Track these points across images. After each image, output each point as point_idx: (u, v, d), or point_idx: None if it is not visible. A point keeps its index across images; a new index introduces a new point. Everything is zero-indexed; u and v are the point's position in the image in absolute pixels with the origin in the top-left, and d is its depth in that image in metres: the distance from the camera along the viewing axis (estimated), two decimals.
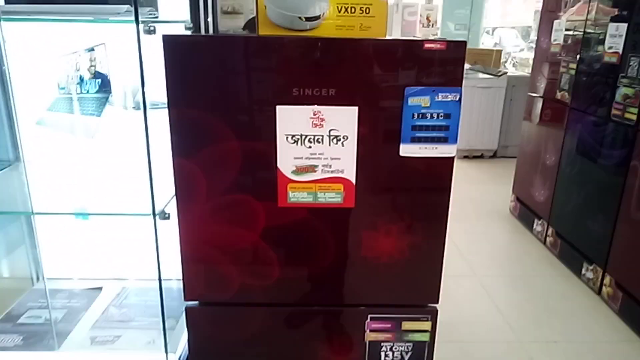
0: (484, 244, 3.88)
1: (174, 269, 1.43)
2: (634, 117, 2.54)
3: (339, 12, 1.13)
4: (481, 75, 5.18)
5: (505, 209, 4.46)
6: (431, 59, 1.06)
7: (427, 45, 1.05)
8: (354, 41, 1.09)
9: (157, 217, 1.22)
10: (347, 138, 1.11)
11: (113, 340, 1.41)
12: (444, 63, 1.07)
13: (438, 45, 1.05)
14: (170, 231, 1.27)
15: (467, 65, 5.84)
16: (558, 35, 3.40)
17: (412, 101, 1.08)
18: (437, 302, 1.24)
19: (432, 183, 1.15)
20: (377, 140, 1.12)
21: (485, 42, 7.48)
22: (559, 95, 3.39)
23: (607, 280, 2.94)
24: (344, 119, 1.10)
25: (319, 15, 1.14)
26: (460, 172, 5.12)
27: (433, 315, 1.24)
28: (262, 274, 1.21)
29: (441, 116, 1.09)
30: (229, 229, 1.18)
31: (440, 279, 1.23)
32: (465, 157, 5.40)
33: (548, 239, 3.68)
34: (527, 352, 2.54)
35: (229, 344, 1.28)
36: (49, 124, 1.56)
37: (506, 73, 5.04)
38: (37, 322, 1.50)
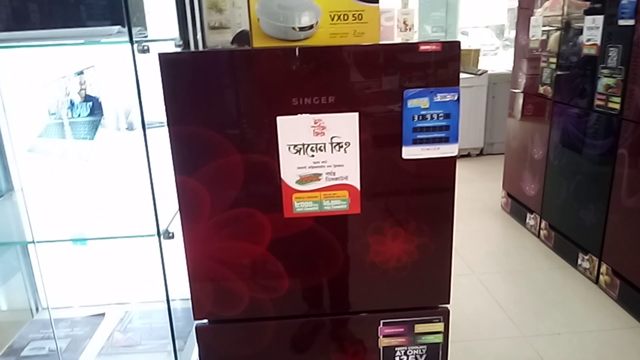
0: (479, 241, 3.91)
1: (177, 289, 1.41)
2: (618, 106, 2.59)
3: (332, 20, 1.14)
4: (463, 75, 5.24)
5: (496, 205, 4.50)
6: (427, 61, 1.07)
7: (422, 48, 1.06)
8: (348, 48, 1.09)
9: (161, 236, 1.20)
10: (349, 144, 1.11)
11: None
12: (440, 64, 1.08)
13: (433, 47, 1.06)
14: (171, 250, 1.26)
15: None
16: (536, 31, 3.46)
17: (412, 103, 1.09)
18: (448, 303, 1.24)
19: (436, 184, 1.16)
20: (379, 144, 1.13)
21: (463, 43, 7.54)
22: (541, 89, 3.45)
23: (603, 268, 2.98)
24: (345, 126, 1.10)
25: (312, 25, 1.15)
26: None
27: (445, 316, 1.24)
28: (271, 287, 1.20)
29: (441, 116, 1.10)
30: (236, 243, 1.17)
31: (450, 278, 1.23)
32: None
33: (542, 232, 3.72)
34: (532, 346, 2.55)
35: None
36: (40, 150, 1.54)
37: (487, 71, 5.11)
38: (41, 354, 1.47)
